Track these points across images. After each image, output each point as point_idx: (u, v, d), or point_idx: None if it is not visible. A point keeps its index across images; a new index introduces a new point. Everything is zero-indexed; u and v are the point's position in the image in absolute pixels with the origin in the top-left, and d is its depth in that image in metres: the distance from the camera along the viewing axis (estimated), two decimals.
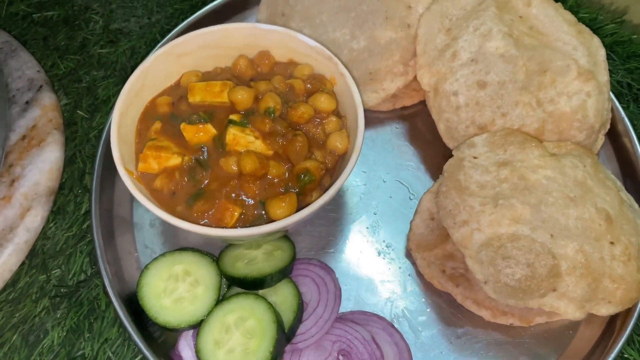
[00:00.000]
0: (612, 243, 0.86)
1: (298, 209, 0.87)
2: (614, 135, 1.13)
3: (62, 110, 1.15)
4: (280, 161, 0.92)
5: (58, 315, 0.97)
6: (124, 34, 1.27)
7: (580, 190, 0.89)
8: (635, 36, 1.27)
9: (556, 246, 0.83)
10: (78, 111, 1.16)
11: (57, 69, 1.22)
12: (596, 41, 1.07)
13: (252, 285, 0.92)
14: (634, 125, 1.11)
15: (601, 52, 1.07)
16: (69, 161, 1.11)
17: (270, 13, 1.16)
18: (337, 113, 0.99)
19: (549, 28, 1.06)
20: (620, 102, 1.13)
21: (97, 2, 1.31)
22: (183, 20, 1.18)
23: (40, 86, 1.13)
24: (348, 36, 1.09)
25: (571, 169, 0.91)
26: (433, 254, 0.99)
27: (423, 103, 1.16)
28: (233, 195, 0.89)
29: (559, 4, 1.08)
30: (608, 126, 1.09)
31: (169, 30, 1.17)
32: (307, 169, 0.90)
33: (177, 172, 0.91)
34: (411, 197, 1.08)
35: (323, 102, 0.96)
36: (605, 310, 0.87)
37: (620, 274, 0.85)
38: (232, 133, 0.91)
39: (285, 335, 0.90)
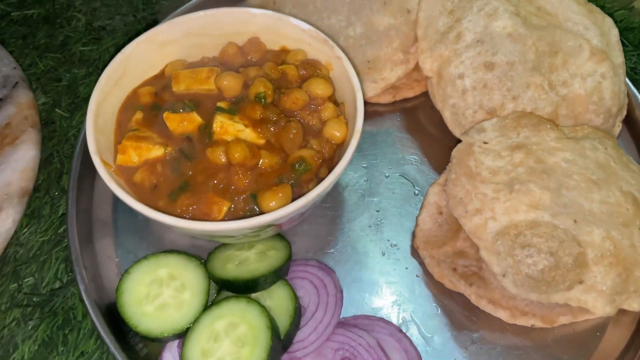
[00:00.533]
0: None
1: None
2: (631, 122, 1.06)
3: (40, 110, 1.08)
4: (272, 151, 0.84)
5: (29, 327, 0.88)
6: (107, 31, 1.21)
7: (603, 172, 0.81)
8: None
9: (581, 233, 0.75)
10: (57, 110, 1.09)
11: (35, 68, 1.15)
12: (608, 21, 1.01)
13: (243, 288, 0.84)
14: None
15: (614, 32, 1.00)
16: (45, 162, 1.03)
17: (261, 1, 1.10)
18: (333, 100, 0.92)
19: (558, 8, 1.00)
20: (636, 89, 1.06)
21: (80, 0, 1.25)
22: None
23: (16, 83, 1.06)
24: (344, 22, 1.03)
25: (591, 150, 0.83)
26: (442, 252, 0.90)
27: (425, 95, 1.09)
28: (221, 186, 0.81)
29: None
30: (625, 112, 1.02)
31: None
32: (302, 158, 0.82)
33: (159, 164, 0.83)
34: (416, 193, 1.00)
35: (319, 87, 0.89)
36: (637, 304, 0.78)
37: None
38: (220, 121, 0.83)
39: (281, 342, 0.80)
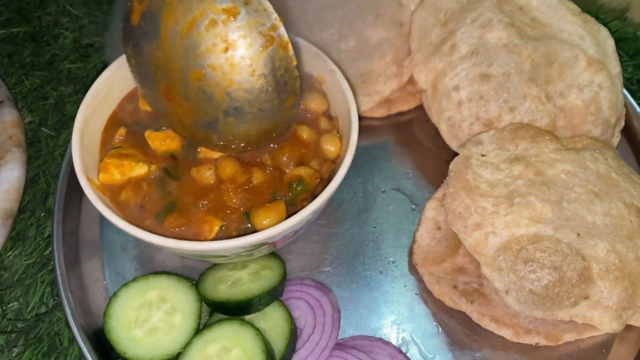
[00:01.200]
0: None
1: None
2: (629, 133, 1.04)
3: (25, 129, 1.05)
4: (265, 167, 0.82)
5: (14, 355, 0.85)
6: (95, 48, 1.19)
7: (605, 184, 0.79)
8: (639, 33, 1.20)
9: (585, 246, 0.73)
10: (43, 129, 1.06)
11: (22, 86, 1.13)
12: (604, 31, 1.00)
13: (237, 309, 0.81)
14: None
15: (610, 43, 0.99)
16: (31, 182, 1.00)
17: None
18: (327, 115, 0.90)
19: (552, 19, 0.99)
20: (633, 99, 1.05)
21: (67, 17, 1.23)
22: None
23: (1, 102, 1.03)
24: (336, 36, 1.02)
25: (592, 162, 0.81)
26: (442, 268, 0.88)
27: (420, 108, 1.07)
28: (212, 205, 0.78)
29: None
30: (623, 122, 1.00)
31: None
32: (300, 177, 0.80)
33: (145, 183, 0.80)
34: (413, 208, 0.98)
35: (313, 101, 0.87)
36: None
37: None
38: None
39: None
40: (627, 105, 1.03)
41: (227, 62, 0.72)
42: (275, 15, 0.72)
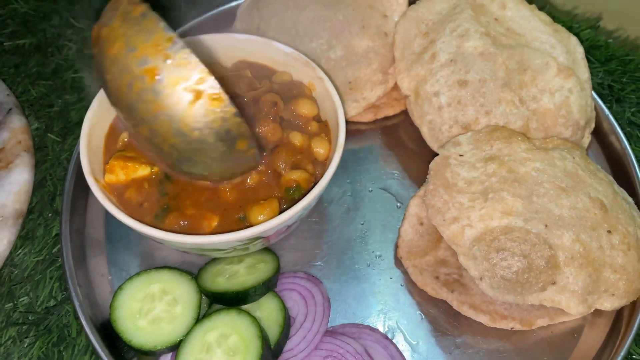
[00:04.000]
0: (609, 232, 0.82)
1: None
2: (600, 134, 1.11)
3: (33, 135, 1.11)
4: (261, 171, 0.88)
5: (25, 345, 0.90)
6: None
7: (572, 180, 0.86)
8: (611, 40, 1.28)
9: (552, 236, 0.79)
10: (49, 135, 1.12)
11: (28, 95, 1.18)
12: (573, 39, 1.07)
13: (234, 300, 0.86)
14: (619, 124, 1.09)
15: (579, 50, 1.06)
16: (39, 185, 1.06)
17: (245, 28, 1.15)
18: (317, 119, 0.96)
19: (525, 28, 1.06)
20: (603, 102, 1.12)
21: (70, 29, 1.29)
22: None
23: (10, 109, 1.09)
24: (325, 46, 1.08)
25: (560, 160, 0.88)
26: (425, 261, 0.94)
27: (405, 113, 1.14)
28: (210, 203, 0.85)
29: (534, 5, 1.08)
30: (593, 125, 1.07)
31: None
32: (297, 183, 0.86)
33: (147, 183, 0.86)
34: (398, 206, 1.04)
35: (305, 107, 0.93)
36: (609, 304, 0.82)
37: (621, 264, 0.81)
38: None
39: (271, 351, 0.83)
40: (597, 108, 1.10)
41: (160, 119, 0.72)
42: (201, 67, 0.69)
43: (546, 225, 0.80)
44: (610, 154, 1.10)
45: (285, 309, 0.87)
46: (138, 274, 0.89)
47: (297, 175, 0.85)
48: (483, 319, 0.88)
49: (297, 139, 0.89)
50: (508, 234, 0.79)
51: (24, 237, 1.00)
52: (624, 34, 1.32)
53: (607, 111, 1.10)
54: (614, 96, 1.20)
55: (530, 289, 0.78)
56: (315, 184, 0.86)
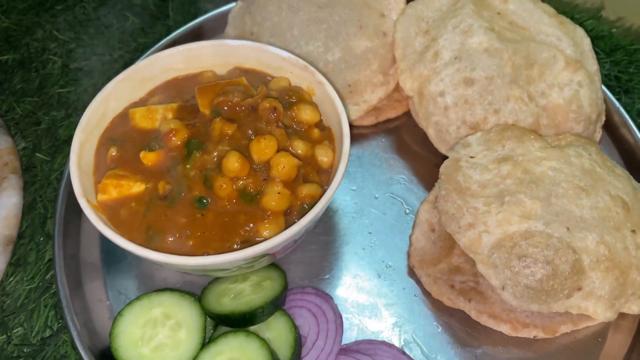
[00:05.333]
0: (633, 231, 0.78)
1: None
2: (611, 128, 1.08)
3: (20, 155, 1.06)
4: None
5: None
6: (85, 72, 1.20)
7: (590, 178, 0.82)
8: (615, 30, 1.25)
9: (575, 239, 0.75)
10: (37, 154, 1.07)
11: (13, 113, 1.13)
12: (580, 31, 1.03)
13: (241, 321, 0.82)
14: (630, 116, 1.05)
15: (586, 41, 1.03)
16: (28, 207, 1.01)
17: (238, 34, 1.10)
18: (320, 126, 0.92)
19: (529, 22, 1.02)
20: (612, 94, 1.08)
21: (54, 43, 1.24)
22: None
23: None
24: (322, 48, 1.04)
25: (576, 158, 0.84)
26: (438, 269, 0.90)
27: (407, 114, 1.10)
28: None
29: None
30: (604, 118, 1.04)
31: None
32: (312, 198, 0.81)
33: (142, 202, 0.81)
34: (407, 212, 1.00)
35: (306, 113, 0.88)
36: (636, 307, 0.78)
37: None
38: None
39: None
40: (606, 101, 1.06)
41: None
42: None
43: (568, 228, 0.76)
44: (622, 147, 1.06)
45: (295, 328, 0.83)
46: (138, 298, 0.85)
47: (311, 190, 0.81)
48: (504, 329, 0.84)
49: (300, 147, 0.85)
50: (529, 239, 0.75)
51: (15, 264, 0.95)
52: (627, 22, 1.29)
53: (617, 103, 1.07)
54: (621, 87, 1.17)
55: (555, 297, 0.74)
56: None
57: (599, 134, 1.02)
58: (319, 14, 1.04)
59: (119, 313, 0.83)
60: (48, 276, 0.94)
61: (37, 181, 1.04)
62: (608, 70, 1.18)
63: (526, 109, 0.94)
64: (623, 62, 1.19)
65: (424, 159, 1.06)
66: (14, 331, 0.90)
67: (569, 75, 0.97)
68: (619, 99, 1.10)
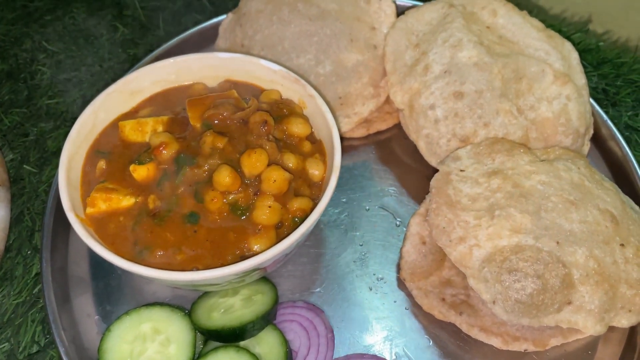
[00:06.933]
0: (622, 245, 0.79)
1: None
2: (599, 140, 1.08)
3: (8, 167, 1.05)
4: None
5: None
6: (74, 83, 1.19)
7: (579, 192, 0.82)
8: (602, 43, 1.26)
9: (564, 253, 0.76)
10: (25, 166, 1.06)
11: (1, 125, 1.12)
12: (568, 45, 1.04)
13: (231, 336, 0.81)
14: (618, 129, 1.06)
15: (574, 56, 1.04)
16: (16, 220, 0.99)
17: (228, 46, 1.10)
18: (311, 139, 0.92)
19: (518, 36, 1.03)
20: (600, 107, 1.09)
21: (43, 54, 1.23)
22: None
23: None
24: (313, 61, 1.04)
25: (565, 172, 0.85)
26: (429, 282, 0.90)
27: (398, 126, 1.10)
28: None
29: (525, 11, 1.05)
30: (592, 131, 1.04)
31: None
32: (303, 212, 0.81)
33: (132, 215, 0.81)
34: (397, 224, 1.00)
35: (297, 126, 0.88)
36: (626, 320, 0.78)
37: (636, 278, 0.77)
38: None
39: None
40: (594, 113, 1.07)
41: None
42: None
43: (558, 242, 0.76)
44: (610, 160, 1.07)
45: (286, 343, 0.83)
46: (127, 313, 0.84)
47: (302, 204, 0.81)
48: (495, 342, 0.84)
49: (291, 160, 0.84)
50: (519, 254, 0.75)
51: (2, 278, 0.94)
52: (614, 36, 1.31)
53: (604, 116, 1.08)
54: (609, 100, 1.18)
55: (546, 311, 0.74)
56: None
57: (587, 146, 1.03)
58: (309, 27, 1.04)
59: (108, 328, 0.82)
60: (35, 290, 0.93)
61: (25, 193, 1.03)
62: (596, 83, 1.19)
63: (515, 122, 0.95)
64: (610, 75, 1.20)
65: (414, 170, 1.06)
66: (0, 347, 0.88)
67: (558, 89, 0.98)
68: (606, 112, 1.11)
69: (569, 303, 0.75)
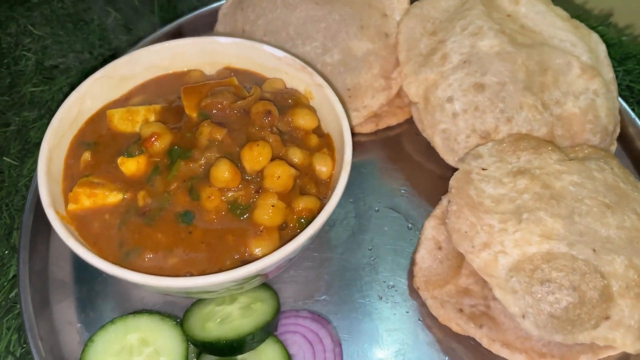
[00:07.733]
0: None
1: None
2: (625, 140, 1.01)
3: None
4: None
5: None
6: (60, 70, 1.12)
7: (615, 195, 0.75)
8: (625, 38, 1.19)
9: (602, 262, 0.68)
10: (5, 158, 0.98)
11: None
12: (595, 36, 0.97)
13: (228, 349, 0.74)
14: None
15: (602, 48, 0.97)
16: None
17: (228, 32, 1.03)
18: (318, 132, 0.84)
19: (542, 25, 0.96)
20: (626, 104, 1.02)
21: (29, 38, 1.16)
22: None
23: None
24: (320, 49, 0.96)
25: (598, 172, 0.78)
26: (446, 291, 0.82)
27: (409, 122, 1.03)
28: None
29: None
30: (619, 130, 0.97)
31: None
32: (309, 212, 0.74)
33: (119, 213, 0.73)
34: (409, 227, 0.92)
35: (303, 118, 0.81)
36: None
37: None
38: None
39: None
40: (621, 111, 1.00)
41: None
42: None
43: (594, 250, 0.68)
44: (638, 161, 1.00)
45: (288, 357, 0.76)
46: (112, 321, 0.77)
47: (308, 203, 0.73)
48: (518, 359, 0.76)
49: (296, 155, 0.77)
50: (552, 262, 0.67)
51: None
52: (636, 30, 1.24)
53: (632, 114, 1.01)
54: (634, 98, 1.11)
55: (581, 327, 0.67)
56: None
57: (614, 146, 0.96)
58: (317, 12, 0.97)
59: (90, 339, 0.75)
60: (12, 294, 0.86)
61: (4, 188, 0.96)
62: (620, 79, 1.12)
63: (540, 118, 0.87)
64: (635, 71, 1.14)
65: (426, 169, 0.99)
66: None
67: (585, 83, 0.90)
68: (633, 110, 1.04)
69: (607, 318, 0.67)
